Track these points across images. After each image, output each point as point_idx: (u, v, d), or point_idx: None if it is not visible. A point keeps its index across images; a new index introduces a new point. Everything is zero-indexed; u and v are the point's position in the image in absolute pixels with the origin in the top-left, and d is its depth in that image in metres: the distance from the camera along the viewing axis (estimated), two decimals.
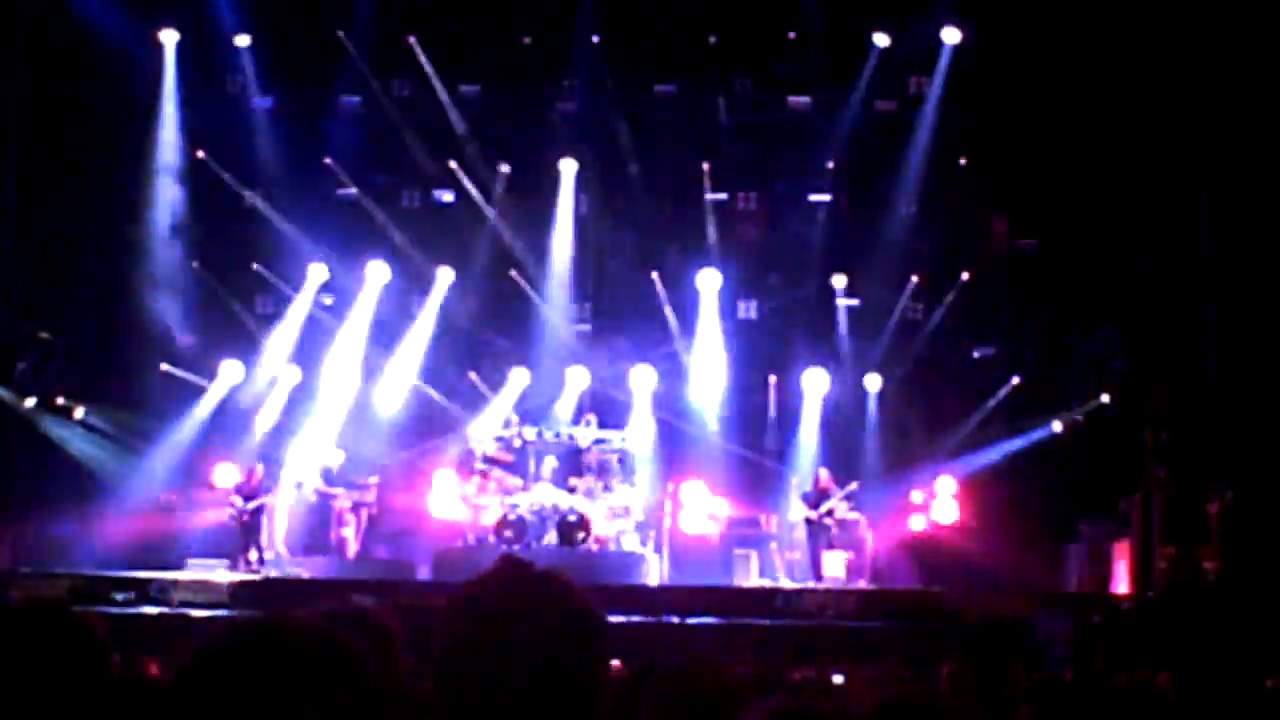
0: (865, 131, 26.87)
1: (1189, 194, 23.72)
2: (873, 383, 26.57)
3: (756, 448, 26.63)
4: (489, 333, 27.28)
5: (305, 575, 23.01)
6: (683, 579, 23.74)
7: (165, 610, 20.46)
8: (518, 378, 26.39)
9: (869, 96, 26.86)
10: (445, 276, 27.01)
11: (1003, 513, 24.84)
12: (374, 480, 24.82)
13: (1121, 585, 22.58)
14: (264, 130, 27.06)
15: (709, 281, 26.84)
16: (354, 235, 27.16)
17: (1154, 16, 23.89)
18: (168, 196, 26.77)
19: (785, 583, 23.42)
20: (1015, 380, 25.96)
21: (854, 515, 24.22)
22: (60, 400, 25.82)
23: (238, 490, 23.84)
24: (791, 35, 26.59)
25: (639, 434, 25.70)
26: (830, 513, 23.68)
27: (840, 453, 25.65)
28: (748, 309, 27.46)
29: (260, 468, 24.30)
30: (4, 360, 25.09)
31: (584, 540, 23.44)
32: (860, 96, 26.80)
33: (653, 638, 16.99)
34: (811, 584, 23.05)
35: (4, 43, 25.40)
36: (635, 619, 18.96)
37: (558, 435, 25.26)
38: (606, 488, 24.28)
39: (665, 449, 26.04)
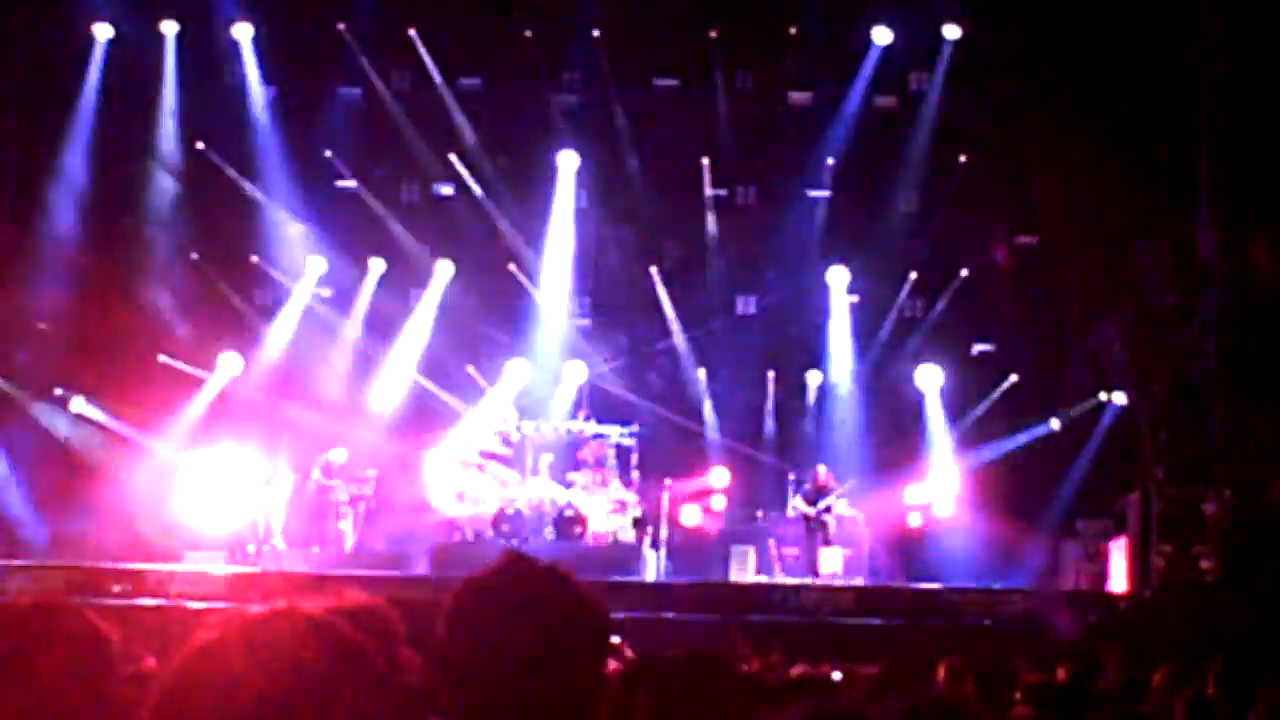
0: (865, 128, 26.84)
1: (1188, 192, 23.71)
2: (872, 378, 26.56)
3: (755, 444, 26.61)
4: (487, 326, 27.23)
5: (302, 568, 22.99)
6: (680, 575, 23.78)
7: (162, 602, 20.44)
8: (516, 371, 26.36)
9: (869, 92, 26.84)
10: (444, 270, 26.99)
11: (1000, 510, 24.84)
12: (372, 473, 24.83)
13: (1119, 584, 22.58)
14: (263, 122, 27.03)
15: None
16: (353, 228, 27.16)
17: (1153, 13, 23.88)
18: (166, 187, 26.76)
19: (782, 579, 23.42)
20: (1013, 378, 25.95)
21: (852, 512, 24.24)
22: (57, 391, 25.82)
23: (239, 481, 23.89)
24: (792, 30, 26.55)
25: (636, 429, 25.68)
26: (829, 509, 23.69)
27: (839, 449, 25.63)
28: (746, 304, 27.45)
29: (258, 460, 24.35)
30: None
31: (581, 535, 23.46)
32: (860, 92, 26.79)
33: (650, 633, 16.95)
34: (809, 580, 23.06)
35: (2, 32, 25.39)
36: (632, 615, 18.92)
37: (556, 430, 25.26)
38: (604, 483, 24.29)
39: (663, 444, 26.03)
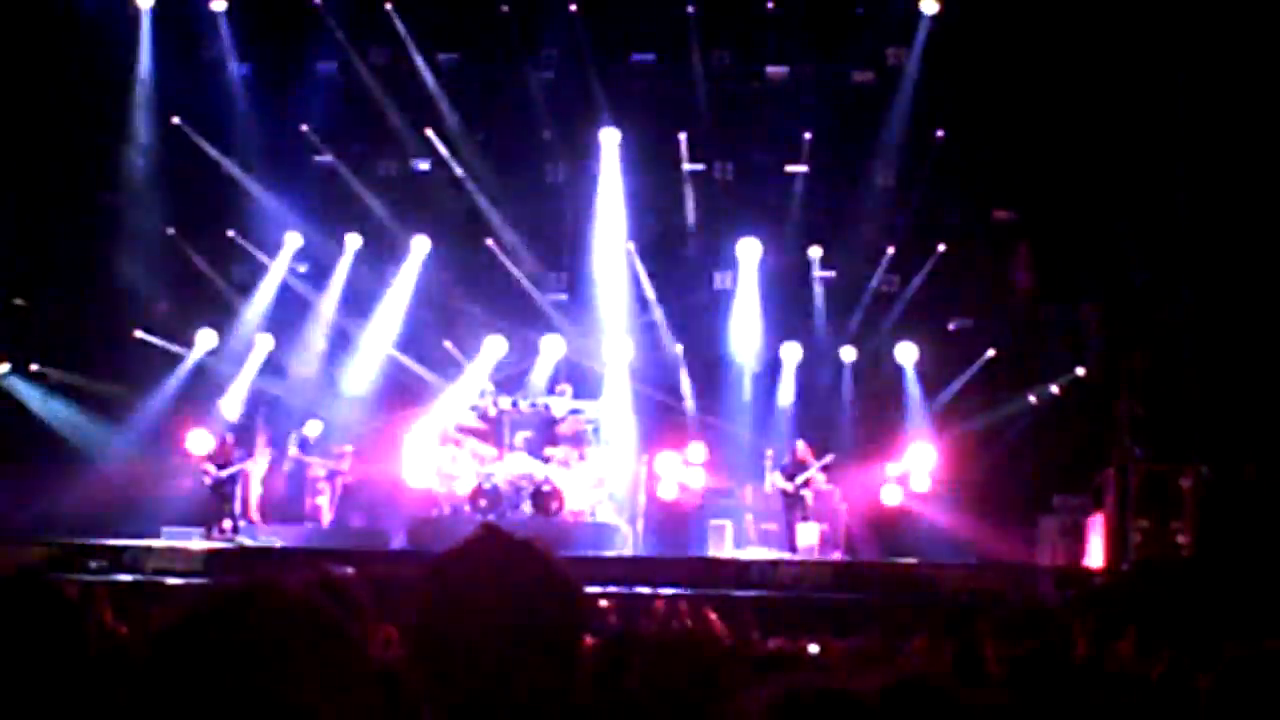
0: (843, 103, 26.83)
1: (1166, 168, 23.76)
2: (848, 354, 26.60)
3: (732, 419, 26.63)
4: (464, 301, 27.21)
5: (279, 544, 22.99)
6: (657, 550, 23.81)
7: (140, 578, 20.43)
8: (493, 346, 26.33)
9: (847, 67, 26.84)
10: (421, 245, 26.93)
11: (977, 486, 24.92)
12: (349, 449, 24.83)
13: (1095, 559, 22.65)
14: (240, 97, 26.94)
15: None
16: (330, 203, 27.12)
17: None
18: (143, 163, 26.67)
19: (760, 554, 23.45)
20: (991, 353, 25.99)
21: (829, 487, 24.28)
22: (34, 367, 25.77)
23: (210, 458, 23.83)
24: (769, 5, 26.53)
25: (614, 404, 25.68)
26: (806, 484, 23.71)
27: (816, 424, 25.66)
28: (723, 279, 27.43)
29: (231, 436, 24.32)
30: None
31: (558, 510, 23.47)
32: (838, 67, 26.79)
33: (627, 608, 16.96)
34: (786, 555, 23.10)
35: None
36: (609, 589, 18.94)
37: (533, 405, 25.24)
38: (581, 458, 24.30)
39: (640, 419, 26.04)
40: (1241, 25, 22.63)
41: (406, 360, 26.71)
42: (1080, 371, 25.29)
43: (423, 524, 23.45)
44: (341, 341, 26.92)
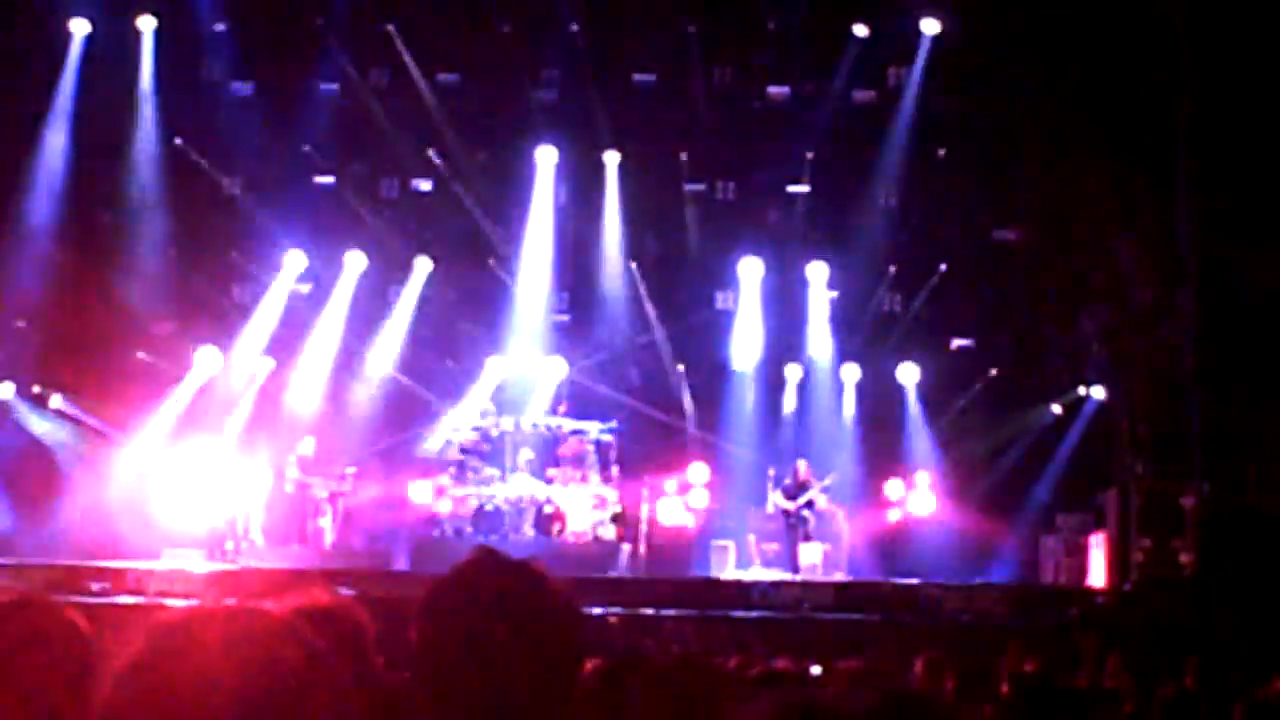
0: (844, 122, 26.84)
1: (1168, 186, 23.75)
2: (850, 374, 26.57)
3: (735, 439, 26.60)
4: (466, 322, 27.22)
5: (281, 565, 22.95)
6: (659, 571, 23.77)
7: (142, 600, 20.38)
8: (495, 367, 26.32)
9: (848, 87, 26.86)
10: (423, 265, 26.94)
11: (980, 505, 24.90)
12: (351, 470, 24.78)
13: (1098, 578, 22.62)
14: (241, 117, 26.95)
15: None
16: (331, 223, 27.11)
17: (1131, 9, 23.91)
18: (144, 183, 26.67)
19: (762, 574, 23.41)
20: (993, 372, 25.98)
21: (831, 507, 24.24)
22: (36, 389, 25.75)
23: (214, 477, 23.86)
24: (771, 25, 26.57)
25: (615, 425, 25.66)
26: (809, 504, 23.67)
27: (818, 444, 25.63)
28: (725, 299, 27.42)
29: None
30: None
31: (560, 531, 23.45)
32: (839, 87, 26.81)
33: (629, 630, 16.95)
34: (788, 576, 23.06)
35: None
36: (611, 611, 18.90)
37: (535, 426, 25.23)
38: (583, 479, 24.28)
39: (643, 440, 26.01)
40: (1242, 45, 22.64)
41: (409, 381, 26.69)
42: (1082, 391, 25.28)
43: (425, 545, 23.42)
44: (344, 362, 26.88)
